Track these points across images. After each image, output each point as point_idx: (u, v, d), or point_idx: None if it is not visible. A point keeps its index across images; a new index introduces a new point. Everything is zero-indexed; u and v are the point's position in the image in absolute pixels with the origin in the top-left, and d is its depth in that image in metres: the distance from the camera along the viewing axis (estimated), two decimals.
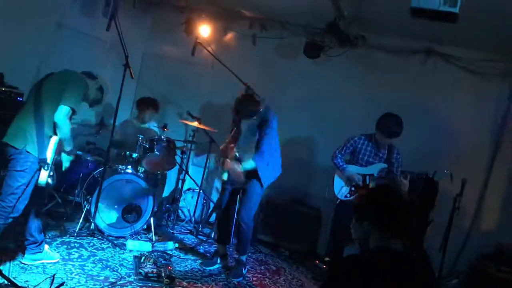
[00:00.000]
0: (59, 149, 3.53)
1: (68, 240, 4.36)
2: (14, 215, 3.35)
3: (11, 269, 3.48)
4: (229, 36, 6.32)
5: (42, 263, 3.71)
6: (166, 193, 6.07)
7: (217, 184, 6.21)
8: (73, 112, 3.45)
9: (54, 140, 3.42)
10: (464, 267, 5.06)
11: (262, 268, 4.81)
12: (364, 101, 5.59)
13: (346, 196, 4.79)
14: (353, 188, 4.76)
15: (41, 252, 3.74)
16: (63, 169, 3.70)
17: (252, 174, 4.31)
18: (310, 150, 5.99)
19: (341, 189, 4.84)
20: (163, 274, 3.83)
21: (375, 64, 5.63)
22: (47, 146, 3.40)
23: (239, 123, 4.50)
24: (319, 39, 5.54)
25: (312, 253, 5.49)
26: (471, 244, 5.16)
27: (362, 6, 4.64)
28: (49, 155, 3.39)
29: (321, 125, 5.83)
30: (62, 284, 3.31)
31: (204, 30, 6.02)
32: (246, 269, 4.55)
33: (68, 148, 3.60)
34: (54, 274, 3.40)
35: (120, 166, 4.97)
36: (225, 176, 4.47)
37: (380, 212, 2.00)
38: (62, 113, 3.37)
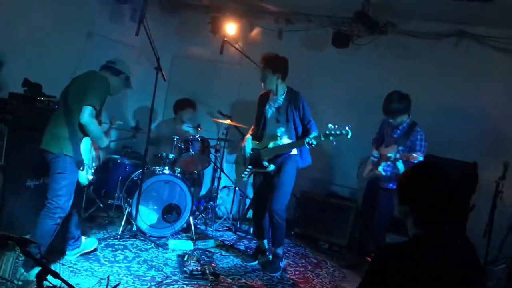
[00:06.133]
0: (95, 146, 3.63)
1: (112, 243, 4.47)
2: (62, 215, 3.48)
3: (61, 272, 3.59)
4: (255, 32, 6.33)
5: (90, 266, 3.81)
6: (203, 191, 6.14)
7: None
8: (96, 110, 3.47)
9: (84, 141, 3.52)
10: (510, 253, 4.92)
11: (303, 261, 4.81)
12: (395, 88, 5.47)
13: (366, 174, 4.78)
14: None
15: (79, 246, 3.92)
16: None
17: (283, 157, 4.27)
18: (341, 141, 5.92)
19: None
20: (207, 272, 3.88)
21: (405, 50, 5.53)
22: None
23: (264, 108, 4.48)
24: (346, 29, 5.49)
25: (352, 245, 5.45)
26: None
27: None
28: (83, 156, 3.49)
29: (352, 116, 5.71)
30: (117, 285, 3.41)
31: (230, 28, 6.04)
32: (284, 263, 4.42)
33: (103, 145, 3.68)
34: (108, 276, 3.50)
35: (157, 167, 5.06)
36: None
37: (419, 195, 1.82)
38: (85, 113, 3.39)
